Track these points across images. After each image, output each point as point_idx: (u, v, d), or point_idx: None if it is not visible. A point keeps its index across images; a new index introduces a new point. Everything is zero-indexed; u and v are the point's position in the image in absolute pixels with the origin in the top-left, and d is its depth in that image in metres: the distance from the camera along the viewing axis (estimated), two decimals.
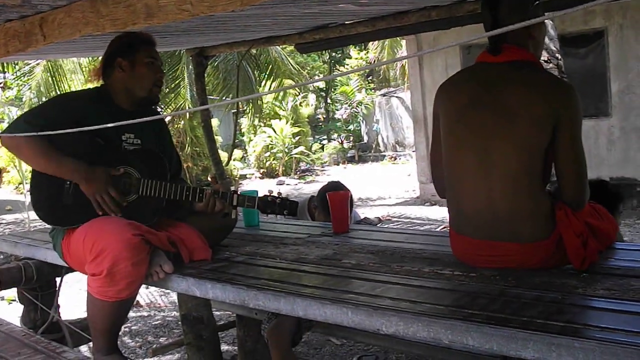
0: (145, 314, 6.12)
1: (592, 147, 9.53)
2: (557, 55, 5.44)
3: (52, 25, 2.19)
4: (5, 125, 13.78)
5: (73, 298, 6.02)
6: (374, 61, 22.46)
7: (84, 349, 4.30)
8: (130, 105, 3.02)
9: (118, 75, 3.00)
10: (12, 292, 6.27)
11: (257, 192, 3.12)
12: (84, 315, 4.55)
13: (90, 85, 3.15)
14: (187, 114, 15.08)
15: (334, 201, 3.40)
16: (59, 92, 10.71)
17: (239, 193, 3.06)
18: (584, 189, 2.39)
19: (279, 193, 3.14)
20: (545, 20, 2.85)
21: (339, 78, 26.19)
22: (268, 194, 3.10)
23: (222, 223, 3.18)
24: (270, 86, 13.50)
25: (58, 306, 3.84)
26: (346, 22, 4.13)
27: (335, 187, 4.09)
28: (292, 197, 3.19)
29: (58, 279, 3.84)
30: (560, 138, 2.30)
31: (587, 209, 2.48)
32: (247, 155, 21.63)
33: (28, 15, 2.30)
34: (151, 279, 2.72)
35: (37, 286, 3.78)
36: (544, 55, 5.26)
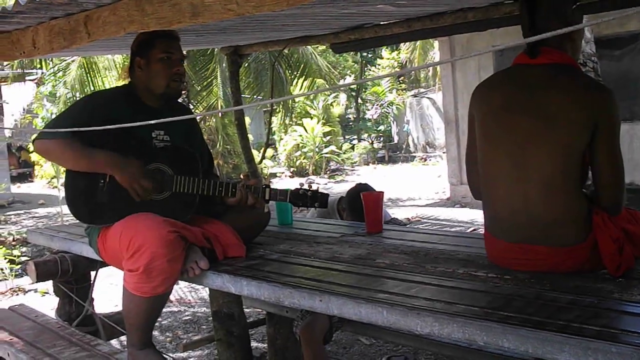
0: (175, 309, 6.17)
1: (627, 151, 9.41)
2: (593, 58, 5.39)
3: (97, 23, 2.22)
4: (40, 120, 13.98)
5: (105, 292, 6.09)
6: (406, 62, 22.41)
7: (115, 342, 4.35)
8: (155, 102, 3.05)
9: (138, 73, 3.03)
10: (45, 285, 6.37)
11: (289, 188, 3.14)
12: (116, 309, 4.63)
13: (123, 81, 3.18)
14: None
15: (368, 201, 3.40)
16: (93, 88, 10.82)
17: (271, 187, 3.08)
18: (621, 194, 2.37)
19: (310, 185, 3.15)
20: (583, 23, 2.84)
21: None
22: (299, 187, 3.12)
23: (256, 220, 3.20)
24: (302, 85, 13.52)
25: (92, 299, 3.90)
26: (381, 23, 4.13)
27: (364, 190, 4.10)
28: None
29: (92, 273, 3.90)
30: (598, 142, 2.29)
31: (624, 214, 2.46)
32: (278, 154, 21.68)
33: (73, 13, 2.33)
34: (187, 275, 2.74)
35: (73, 279, 3.84)
36: (580, 58, 5.22)
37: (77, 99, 10.29)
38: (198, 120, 3.48)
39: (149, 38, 2.97)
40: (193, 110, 10.34)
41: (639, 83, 9.87)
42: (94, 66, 11.06)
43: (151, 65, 2.99)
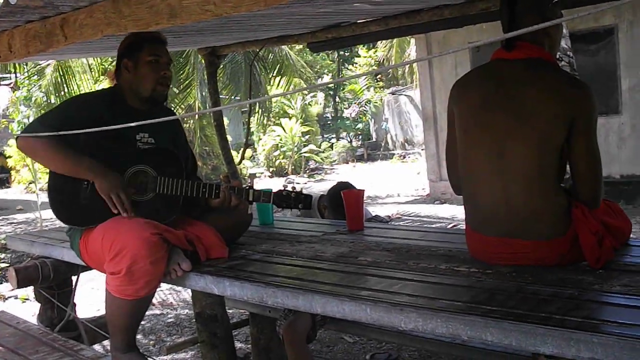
0: (158, 312, 6.15)
1: (603, 144, 9.45)
2: (568, 52, 5.44)
3: (74, 26, 2.21)
4: (15, 125, 13.87)
5: (87, 296, 6.06)
6: (383, 60, 22.45)
7: (98, 347, 4.32)
8: (141, 105, 3.04)
9: (125, 76, 3.03)
10: (25, 291, 6.33)
11: (271, 189, 3.14)
12: (99, 313, 4.60)
13: (99, 86, 3.18)
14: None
15: (349, 199, 3.42)
16: (68, 92, 10.74)
17: (254, 188, 3.07)
18: (599, 187, 2.40)
19: (293, 187, 3.15)
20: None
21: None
22: (282, 188, 3.12)
23: (238, 220, 3.20)
24: (279, 84, 13.52)
25: (74, 304, 3.87)
26: (358, 21, 4.14)
27: (345, 188, 4.10)
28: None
29: (74, 278, 3.87)
30: (575, 137, 2.31)
31: (602, 207, 2.49)
32: (257, 155, 21.66)
33: (49, 16, 2.32)
34: (169, 277, 2.74)
35: (54, 285, 3.81)
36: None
37: (53, 102, 10.22)
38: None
39: (137, 41, 2.97)
40: (174, 112, 10.31)
41: (614, 77, 9.97)
42: (69, 70, 10.97)
43: (139, 68, 2.98)
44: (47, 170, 3.00)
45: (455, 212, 10.10)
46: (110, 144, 2.89)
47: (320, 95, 25.50)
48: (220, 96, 12.14)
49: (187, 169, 3.13)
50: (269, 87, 13.71)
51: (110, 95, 3.08)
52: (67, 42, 2.28)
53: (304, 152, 20.69)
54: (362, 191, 3.51)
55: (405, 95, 22.33)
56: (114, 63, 3.15)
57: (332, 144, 23.92)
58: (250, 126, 13.28)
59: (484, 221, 2.46)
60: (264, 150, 20.94)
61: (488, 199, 2.42)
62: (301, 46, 14.02)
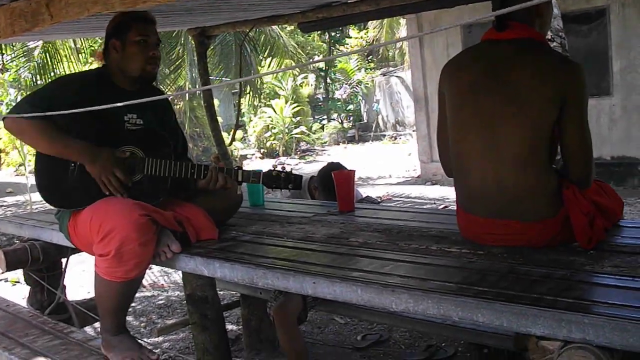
0: (149, 294, 6.15)
1: (594, 126, 9.49)
2: (560, 33, 5.41)
3: (59, 5, 2.17)
4: (4, 107, 13.77)
5: (76, 279, 6.04)
6: (374, 40, 22.37)
7: (89, 329, 4.31)
8: (129, 85, 3.01)
9: (113, 56, 2.99)
10: (15, 274, 6.30)
11: (261, 170, 3.11)
12: (89, 295, 4.58)
13: (88, 67, 3.13)
14: (187, 94, 15.04)
15: (340, 180, 3.40)
16: (56, 73, 10.66)
17: (243, 169, 3.05)
18: (590, 167, 2.39)
19: (283, 167, 3.13)
20: None
21: None
22: (272, 168, 3.10)
23: (228, 202, 3.18)
24: (270, 66, 13.47)
25: (64, 287, 3.86)
26: (349, 1, 4.10)
27: (335, 169, 4.09)
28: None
29: (63, 260, 3.85)
30: (566, 117, 2.30)
31: (593, 187, 2.48)
32: (247, 136, 21.60)
33: None
34: (159, 259, 2.72)
35: (44, 267, 3.79)
36: (548, 34, 5.24)
37: (40, 84, 10.14)
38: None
39: (125, 20, 2.93)
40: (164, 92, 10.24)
41: (605, 58, 9.96)
42: (57, 51, 10.87)
43: (127, 48, 2.95)
44: (35, 153, 2.97)
45: (446, 193, 10.11)
46: (97, 124, 2.85)
47: (311, 76, 25.42)
48: (211, 77, 12.11)
49: (177, 150, 3.10)
50: (260, 69, 13.64)
51: (98, 75, 3.04)
52: (53, 21, 2.24)
53: (295, 134, 20.63)
54: (353, 172, 3.49)
55: (397, 76, 22.26)
56: (103, 43, 3.10)
57: (323, 125, 23.87)
58: (241, 107, 13.25)
59: (475, 202, 2.45)
60: (254, 131, 20.87)
61: (479, 180, 2.42)
62: (292, 27, 13.97)
